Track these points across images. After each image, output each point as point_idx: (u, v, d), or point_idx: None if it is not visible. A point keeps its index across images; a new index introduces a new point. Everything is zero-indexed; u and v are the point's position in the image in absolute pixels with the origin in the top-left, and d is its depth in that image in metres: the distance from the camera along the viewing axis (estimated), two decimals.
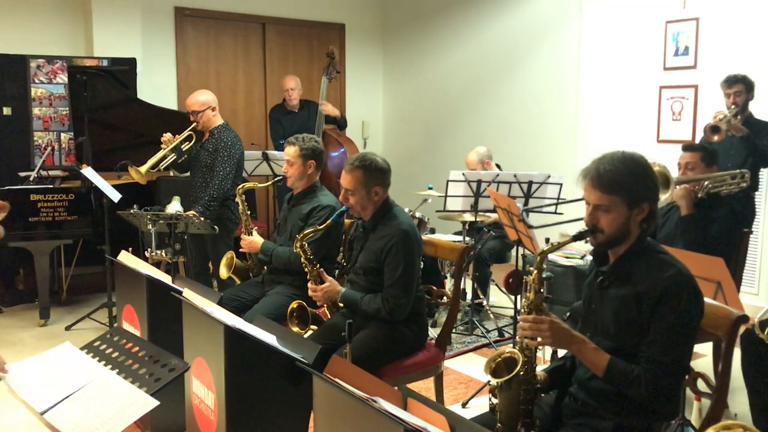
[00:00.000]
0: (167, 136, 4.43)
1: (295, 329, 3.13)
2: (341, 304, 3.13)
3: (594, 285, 2.17)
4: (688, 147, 3.61)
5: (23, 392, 1.92)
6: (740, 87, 4.46)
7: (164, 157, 4.41)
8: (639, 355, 1.99)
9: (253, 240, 3.74)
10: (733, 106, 4.44)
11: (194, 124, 4.43)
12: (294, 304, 3.18)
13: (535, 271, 2.10)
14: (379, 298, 2.94)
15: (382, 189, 3.01)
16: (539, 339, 2.03)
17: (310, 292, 3.13)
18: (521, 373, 2.04)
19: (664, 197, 3.35)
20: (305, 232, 3.18)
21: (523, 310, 2.12)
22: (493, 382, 2.05)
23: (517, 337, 2.14)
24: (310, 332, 3.14)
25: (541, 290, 2.10)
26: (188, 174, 4.72)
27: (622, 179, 2.02)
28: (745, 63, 4.92)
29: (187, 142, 4.45)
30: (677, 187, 3.45)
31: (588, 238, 2.09)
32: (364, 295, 2.99)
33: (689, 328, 1.97)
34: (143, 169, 4.34)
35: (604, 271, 2.13)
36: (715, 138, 4.31)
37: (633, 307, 2.01)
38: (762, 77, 4.66)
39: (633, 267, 2.05)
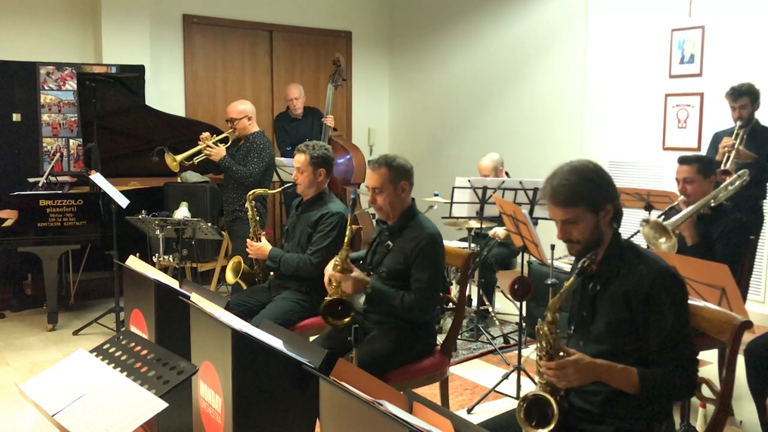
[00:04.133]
0: (205, 134, 4.76)
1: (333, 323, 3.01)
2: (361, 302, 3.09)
3: (582, 293, 2.19)
4: (683, 160, 3.56)
5: (34, 395, 1.94)
6: (745, 100, 4.42)
7: (199, 152, 4.74)
8: (653, 359, 2.00)
9: (262, 246, 3.76)
10: (738, 121, 4.44)
11: (231, 130, 4.77)
12: (327, 301, 3.04)
13: (549, 321, 2.03)
14: (413, 295, 2.92)
15: (408, 185, 3.03)
16: (565, 383, 2.01)
17: (336, 279, 3.00)
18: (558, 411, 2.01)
19: (668, 244, 3.29)
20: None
21: (540, 354, 2.06)
22: (542, 431, 1.98)
23: (538, 379, 2.10)
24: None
25: (557, 330, 2.04)
26: (206, 176, 5.15)
27: (578, 189, 2.07)
28: (751, 71, 4.93)
29: (223, 144, 4.75)
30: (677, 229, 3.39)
31: (585, 262, 2.09)
32: (398, 300, 2.93)
33: (687, 315, 2.05)
34: (179, 157, 4.73)
35: (590, 277, 2.15)
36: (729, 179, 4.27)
37: (623, 307, 2.04)
38: None
39: (616, 266, 2.10)
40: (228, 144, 4.78)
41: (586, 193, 2.07)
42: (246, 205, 3.99)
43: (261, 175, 4.70)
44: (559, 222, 2.11)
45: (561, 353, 2.05)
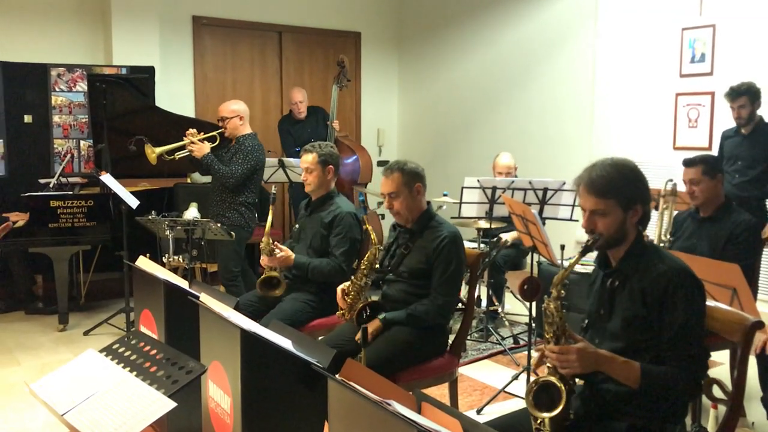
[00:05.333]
0: (192, 130, 4.60)
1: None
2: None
3: (601, 291, 2.20)
4: (687, 162, 3.54)
5: (45, 394, 1.95)
6: (744, 100, 4.42)
7: (182, 148, 4.59)
8: (662, 356, 2.01)
9: (287, 256, 3.57)
10: (738, 121, 4.47)
11: (221, 129, 4.62)
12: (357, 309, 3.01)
13: (554, 299, 2.08)
14: (426, 300, 2.97)
15: (422, 187, 3.08)
16: (568, 369, 2.02)
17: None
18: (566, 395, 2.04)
19: None
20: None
21: (547, 336, 2.10)
22: (548, 415, 2.00)
23: (548, 363, 2.11)
24: None
25: (564, 310, 2.08)
26: (208, 178, 4.92)
27: (615, 183, 2.09)
28: (762, 69, 4.89)
29: (210, 142, 4.60)
30: None
31: (589, 241, 2.13)
32: (408, 311, 2.97)
33: (701, 316, 2.04)
34: (158, 150, 4.57)
35: (609, 273, 2.18)
36: None
37: (639, 304, 2.05)
38: None
39: (635, 265, 2.11)
40: (216, 143, 4.64)
41: (621, 188, 2.09)
42: (269, 216, 3.66)
43: (244, 177, 4.52)
44: (588, 211, 2.13)
45: (568, 338, 2.08)
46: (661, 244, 3.54)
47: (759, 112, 4.54)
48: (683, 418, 2.11)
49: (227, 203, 4.59)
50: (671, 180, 3.77)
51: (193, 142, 4.54)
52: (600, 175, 2.10)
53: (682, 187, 3.69)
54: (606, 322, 2.16)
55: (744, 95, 4.41)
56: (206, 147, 4.53)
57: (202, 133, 4.60)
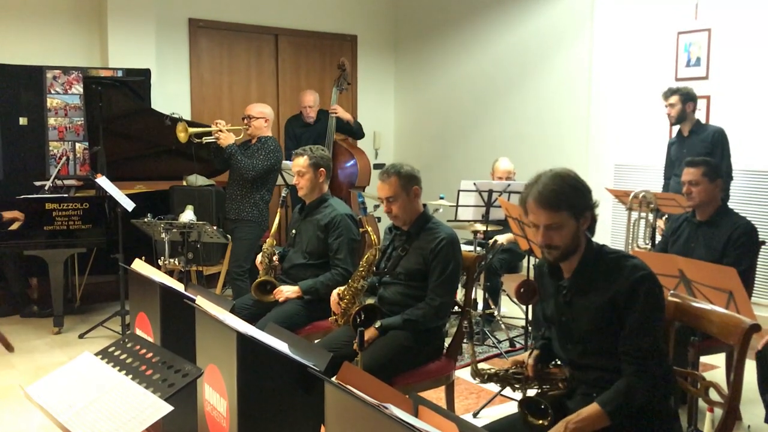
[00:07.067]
0: (221, 120, 4.89)
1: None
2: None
3: (556, 300, 2.22)
4: (690, 162, 3.61)
5: (41, 398, 1.95)
6: (675, 99, 4.66)
7: (209, 134, 4.83)
8: (618, 351, 2.04)
9: (291, 292, 3.57)
10: (668, 119, 4.75)
11: (245, 126, 4.84)
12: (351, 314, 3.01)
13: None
14: (422, 303, 2.97)
15: (419, 189, 3.08)
16: None
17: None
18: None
19: None
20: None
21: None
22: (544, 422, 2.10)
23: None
24: None
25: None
26: (205, 181, 5.15)
27: (565, 194, 2.09)
28: (758, 73, 4.91)
29: (234, 135, 4.81)
30: None
31: (546, 256, 2.17)
32: (404, 316, 2.97)
33: (658, 309, 2.06)
34: (192, 130, 4.85)
35: (564, 286, 2.19)
36: None
37: (610, 313, 2.06)
38: None
39: (593, 275, 2.12)
40: (239, 137, 4.85)
41: (570, 199, 2.09)
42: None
43: (263, 172, 4.72)
44: (542, 227, 2.11)
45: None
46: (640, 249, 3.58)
47: (761, 119, 4.65)
48: (675, 391, 2.15)
49: (246, 198, 4.76)
50: (645, 190, 3.86)
51: (221, 130, 4.73)
52: (549, 188, 2.09)
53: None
54: (572, 327, 2.17)
55: (675, 94, 4.67)
56: (232, 137, 4.74)
57: (230, 124, 4.83)
